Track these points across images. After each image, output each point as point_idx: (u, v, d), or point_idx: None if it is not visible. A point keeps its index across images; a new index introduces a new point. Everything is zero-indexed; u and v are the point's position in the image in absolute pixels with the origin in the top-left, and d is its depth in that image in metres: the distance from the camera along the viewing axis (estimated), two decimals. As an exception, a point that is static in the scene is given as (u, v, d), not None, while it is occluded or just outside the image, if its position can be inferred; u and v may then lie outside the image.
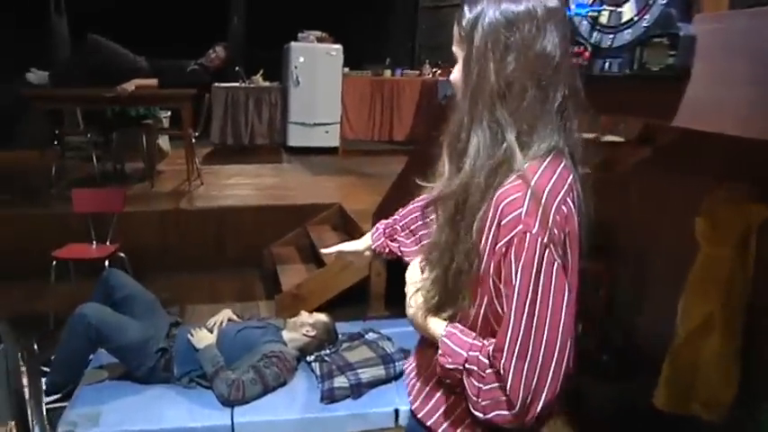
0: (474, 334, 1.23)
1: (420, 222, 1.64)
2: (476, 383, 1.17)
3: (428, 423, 1.37)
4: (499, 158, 1.17)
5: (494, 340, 1.16)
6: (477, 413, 1.18)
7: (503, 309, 1.15)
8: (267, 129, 8.66)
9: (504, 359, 1.12)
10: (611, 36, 1.67)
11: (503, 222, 1.13)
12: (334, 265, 4.47)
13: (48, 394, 3.25)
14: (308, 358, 3.44)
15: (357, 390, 3.16)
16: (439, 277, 1.25)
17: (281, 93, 8.63)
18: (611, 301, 3.72)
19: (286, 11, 8.83)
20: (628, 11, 1.60)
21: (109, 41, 5.94)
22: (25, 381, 2.62)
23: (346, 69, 8.66)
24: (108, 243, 4.41)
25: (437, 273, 1.25)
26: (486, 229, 1.16)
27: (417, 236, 1.65)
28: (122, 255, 4.36)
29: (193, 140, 6.45)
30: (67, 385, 3.27)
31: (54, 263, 4.10)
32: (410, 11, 10.18)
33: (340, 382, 3.19)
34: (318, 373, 3.32)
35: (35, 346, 2.32)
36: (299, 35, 8.54)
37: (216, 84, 8.11)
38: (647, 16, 1.52)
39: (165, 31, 8.89)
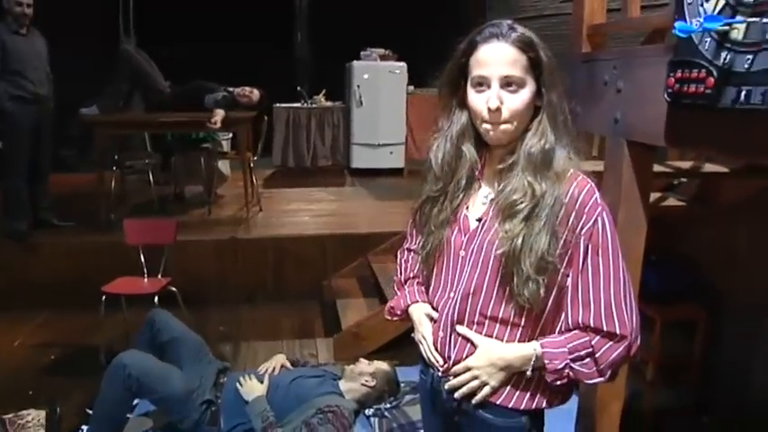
0: (556, 332, 1.49)
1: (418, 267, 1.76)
2: (586, 361, 1.44)
3: (498, 400, 1.54)
4: (569, 164, 1.46)
5: (583, 311, 1.43)
6: (597, 380, 1.46)
7: (582, 282, 1.43)
8: (330, 150, 8.50)
9: (614, 313, 1.42)
10: (750, 56, 1.28)
11: (586, 209, 1.42)
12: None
13: (88, 447, 3.06)
14: (366, 412, 3.14)
15: (420, 453, 2.83)
16: (543, 259, 1.40)
17: (344, 113, 8.45)
18: (712, 353, 3.27)
19: (349, 29, 8.63)
20: (776, 23, 1.22)
21: (143, 59, 5.92)
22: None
23: (411, 88, 8.39)
24: (160, 276, 4.20)
25: (538, 257, 1.40)
26: (567, 215, 1.42)
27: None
28: (174, 289, 4.14)
29: (251, 165, 6.25)
30: (108, 437, 3.06)
31: (104, 297, 3.92)
32: (476, 26, 9.84)
33: (402, 443, 2.87)
34: (377, 430, 3.01)
35: (57, 411, 2.06)
36: (362, 53, 8.33)
37: (277, 104, 7.99)
38: (808, 30, 1.14)
39: (229, 48, 8.89)
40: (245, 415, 2.97)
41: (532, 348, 1.47)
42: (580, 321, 1.44)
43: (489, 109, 1.43)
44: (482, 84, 1.45)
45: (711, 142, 1.54)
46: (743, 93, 1.30)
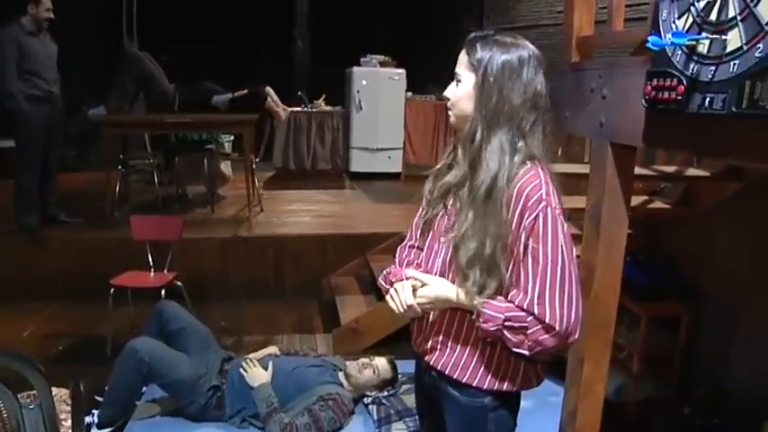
0: (501, 298, 1.58)
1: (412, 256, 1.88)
2: (517, 334, 1.54)
3: (463, 379, 1.68)
4: (513, 159, 1.58)
5: (521, 295, 1.55)
6: (521, 351, 1.56)
7: (523, 270, 1.55)
8: (329, 154, 8.64)
9: (547, 301, 1.52)
10: (713, 68, 1.45)
11: (529, 203, 1.54)
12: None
13: (99, 427, 3.21)
14: (365, 400, 3.29)
15: (416, 437, 2.98)
16: (477, 254, 1.56)
17: (344, 117, 8.59)
18: (693, 348, 3.43)
19: (349, 35, 8.78)
20: (734, 39, 1.37)
21: (150, 61, 6.09)
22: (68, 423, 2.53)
23: (409, 94, 8.56)
24: (166, 271, 4.35)
25: (474, 250, 1.57)
26: (513, 208, 1.54)
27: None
28: (179, 283, 4.29)
29: (254, 166, 6.40)
30: (119, 419, 3.22)
31: (112, 290, 4.06)
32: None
33: (398, 428, 3.04)
34: (376, 417, 3.17)
35: (81, 387, 2.20)
36: (362, 59, 8.47)
37: (279, 108, 8.14)
38: (760, 45, 1.30)
39: (230, 53, 9.03)
40: (249, 400, 3.11)
41: (474, 303, 1.58)
42: (516, 302, 1.55)
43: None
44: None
45: (682, 142, 1.70)
46: (707, 99, 1.46)
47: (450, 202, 1.72)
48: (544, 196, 1.54)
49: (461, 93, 1.65)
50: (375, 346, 4.25)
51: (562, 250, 1.54)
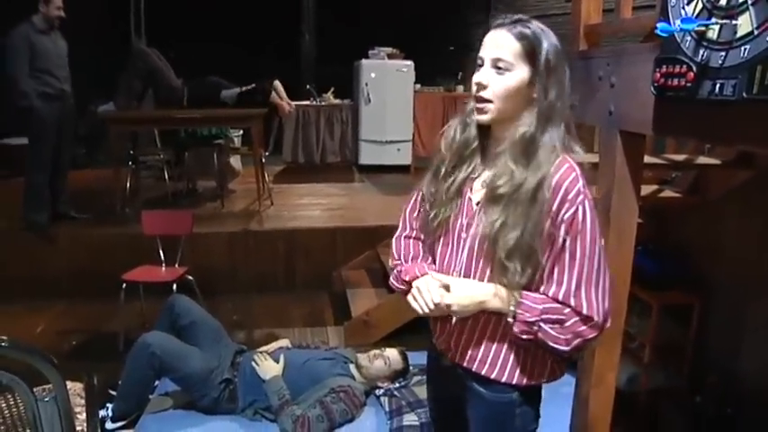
0: (538, 292, 1.55)
1: (420, 248, 1.82)
2: (555, 326, 1.51)
3: (492, 375, 1.64)
4: (555, 155, 1.52)
5: (555, 287, 1.52)
6: (559, 347, 1.52)
7: (558, 262, 1.52)
8: (338, 147, 8.64)
9: (583, 293, 1.50)
10: (723, 53, 1.44)
11: (569, 196, 1.49)
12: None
13: (113, 421, 3.23)
14: (376, 392, 3.29)
15: (428, 428, 2.97)
16: (518, 244, 1.50)
17: (352, 110, 8.59)
18: (705, 337, 3.41)
19: (356, 28, 8.77)
20: (745, 23, 1.36)
21: (158, 57, 6.11)
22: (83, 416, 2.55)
23: (418, 86, 8.55)
24: (177, 265, 4.37)
25: (516, 240, 1.50)
26: (550, 200, 1.49)
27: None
28: (190, 278, 4.31)
29: (263, 160, 6.41)
30: (132, 413, 3.24)
31: (124, 285, 4.08)
32: (482, 24, 9.97)
33: (410, 420, 3.04)
34: (387, 408, 3.17)
35: (95, 381, 2.22)
36: (370, 52, 8.46)
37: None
38: (771, 30, 1.29)
39: (237, 47, 9.03)
40: (261, 393, 3.11)
41: (512, 295, 1.53)
42: (550, 295, 1.52)
43: (476, 84, 1.56)
44: (480, 64, 1.56)
45: (691, 129, 1.69)
46: (717, 85, 1.45)
47: (468, 197, 1.64)
48: (582, 189, 1.50)
49: (512, 83, 1.53)
50: (386, 339, 4.25)
51: (598, 242, 1.52)
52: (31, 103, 5.04)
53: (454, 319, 1.65)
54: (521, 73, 1.52)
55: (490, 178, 1.58)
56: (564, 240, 1.50)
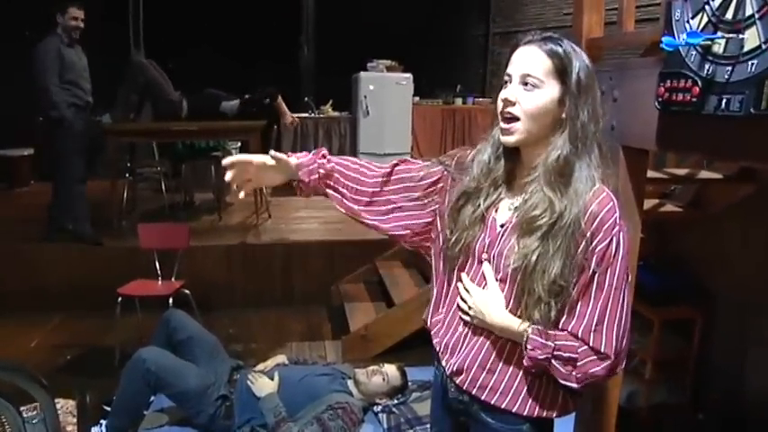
0: (552, 329, 1.47)
1: (371, 188, 1.76)
2: (565, 365, 1.46)
3: (502, 404, 1.57)
4: (592, 182, 1.45)
5: (575, 321, 1.46)
6: (570, 383, 1.47)
7: (583, 296, 1.45)
8: (337, 159, 8.58)
9: (604, 329, 1.44)
10: (729, 68, 1.41)
11: (604, 227, 1.42)
12: (405, 306, 4.27)
13: (108, 438, 3.17)
14: (374, 408, 3.25)
15: (427, 447, 2.93)
16: (555, 279, 1.43)
17: (351, 123, 8.57)
18: (707, 353, 3.38)
19: (355, 40, 8.76)
20: (752, 38, 1.34)
21: (156, 70, 6.09)
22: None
23: (416, 98, 8.54)
24: (173, 279, 4.34)
25: (555, 275, 1.42)
26: (584, 231, 1.42)
27: (368, 198, 1.77)
28: (187, 291, 4.27)
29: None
30: (127, 429, 3.20)
31: (119, 299, 4.04)
32: (481, 37, 9.99)
33: (409, 437, 2.98)
34: (386, 425, 3.13)
35: (87, 398, 2.18)
36: (369, 64, 8.44)
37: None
38: (779, 44, 1.27)
39: (236, 60, 9.02)
40: (257, 410, 3.07)
41: (523, 329, 1.48)
42: (569, 329, 1.46)
43: (502, 100, 1.48)
44: (507, 81, 1.49)
45: (697, 145, 1.67)
46: (723, 101, 1.42)
47: (493, 218, 1.58)
48: (617, 221, 1.44)
49: (541, 101, 1.46)
50: (385, 354, 4.20)
51: (626, 277, 1.47)
52: (63, 113, 5.06)
53: (465, 338, 1.61)
54: (551, 91, 1.46)
55: (523, 206, 1.50)
56: (594, 272, 1.44)
